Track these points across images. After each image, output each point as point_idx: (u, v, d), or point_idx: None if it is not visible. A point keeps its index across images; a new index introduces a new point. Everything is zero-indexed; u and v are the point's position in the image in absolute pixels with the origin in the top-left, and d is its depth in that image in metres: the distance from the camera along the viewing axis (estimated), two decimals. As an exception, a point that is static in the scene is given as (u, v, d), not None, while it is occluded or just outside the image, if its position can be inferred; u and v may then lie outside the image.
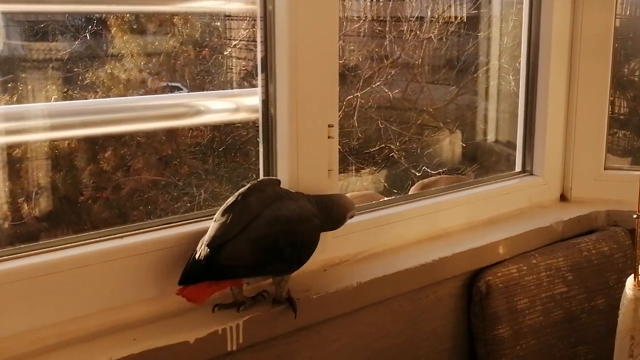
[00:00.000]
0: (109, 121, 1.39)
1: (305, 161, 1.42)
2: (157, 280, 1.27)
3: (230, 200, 1.26)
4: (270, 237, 1.22)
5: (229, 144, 3.33)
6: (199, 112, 1.46)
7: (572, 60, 1.90)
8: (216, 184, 3.36)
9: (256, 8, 1.40)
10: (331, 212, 1.35)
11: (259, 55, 1.43)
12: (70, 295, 1.18)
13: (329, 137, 1.45)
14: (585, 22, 1.87)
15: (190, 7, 1.50)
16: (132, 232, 1.28)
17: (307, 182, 1.42)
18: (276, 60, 1.40)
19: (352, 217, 1.41)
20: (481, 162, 3.13)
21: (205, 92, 1.67)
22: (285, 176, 1.42)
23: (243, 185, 1.29)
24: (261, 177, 1.45)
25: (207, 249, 1.18)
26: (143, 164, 3.26)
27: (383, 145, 4.02)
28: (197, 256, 1.18)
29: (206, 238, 1.20)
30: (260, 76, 1.44)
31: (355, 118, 3.99)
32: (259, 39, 1.42)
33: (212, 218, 1.26)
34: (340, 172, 3.27)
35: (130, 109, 1.41)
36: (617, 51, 2.04)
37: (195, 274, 1.18)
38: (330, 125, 1.45)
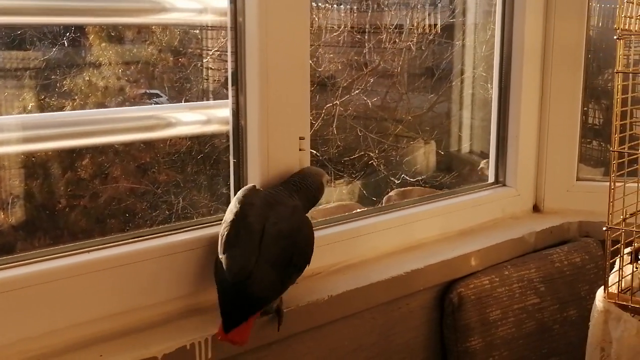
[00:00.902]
0: (80, 134, 1.38)
1: (276, 173, 1.41)
2: (122, 295, 1.26)
3: (228, 227, 1.23)
4: (284, 255, 1.22)
5: (207, 152, 3.32)
6: (170, 124, 1.45)
7: (545, 71, 1.91)
8: (195, 192, 3.35)
9: (227, 20, 1.40)
10: (309, 188, 1.36)
11: (230, 67, 1.43)
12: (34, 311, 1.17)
13: (300, 150, 1.45)
14: (557, 33, 1.88)
15: (163, 19, 1.49)
16: (97, 247, 1.27)
17: (278, 195, 1.42)
18: (246, 72, 1.40)
19: (327, 180, 1.42)
20: (457, 171, 3.15)
21: (176, 104, 1.66)
22: (256, 189, 1.41)
23: (220, 198, 1.28)
24: (233, 190, 1.44)
25: (237, 287, 1.17)
26: (121, 172, 3.24)
27: (362, 153, 4.02)
28: (227, 299, 1.17)
29: (228, 275, 1.18)
30: (230, 88, 1.43)
31: (334, 126, 3.99)
32: (229, 51, 1.42)
33: (177, 231, 1.25)
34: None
35: (100, 122, 1.40)
36: (590, 62, 2.06)
37: (241, 315, 1.17)
38: (301, 138, 1.44)
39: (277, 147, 1.41)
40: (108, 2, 1.35)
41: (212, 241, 1.32)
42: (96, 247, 1.26)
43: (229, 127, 1.43)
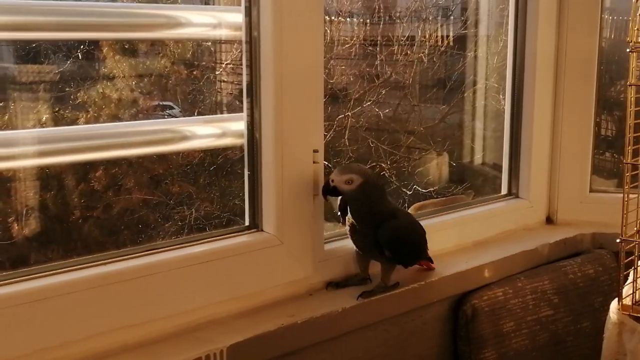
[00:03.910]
0: (95, 147, 1.39)
1: (290, 186, 1.42)
2: (139, 307, 1.27)
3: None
4: None
5: (220, 164, 3.33)
6: (185, 138, 1.47)
7: (557, 82, 1.91)
8: (207, 204, 3.36)
9: (242, 34, 1.42)
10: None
11: (245, 81, 1.44)
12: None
13: (314, 162, 1.46)
14: (569, 45, 1.89)
15: (178, 34, 1.51)
16: (112, 260, 1.28)
17: (292, 207, 1.43)
18: (261, 85, 1.41)
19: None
20: (470, 182, 3.14)
21: (191, 117, 1.68)
22: (270, 200, 1.42)
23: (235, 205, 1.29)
24: (248, 202, 1.46)
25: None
26: (134, 183, 3.26)
27: (374, 163, 4.03)
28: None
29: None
30: (245, 101, 1.45)
31: (346, 137, 4.00)
32: (244, 64, 1.43)
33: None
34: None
35: (115, 135, 1.41)
36: (603, 73, 2.06)
37: None
38: (315, 151, 1.45)
39: (292, 160, 1.42)
40: (124, 18, 1.37)
41: (224, 254, 1.35)
42: (112, 260, 1.27)
43: (243, 140, 1.45)
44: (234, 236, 1.42)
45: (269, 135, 1.41)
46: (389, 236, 1.44)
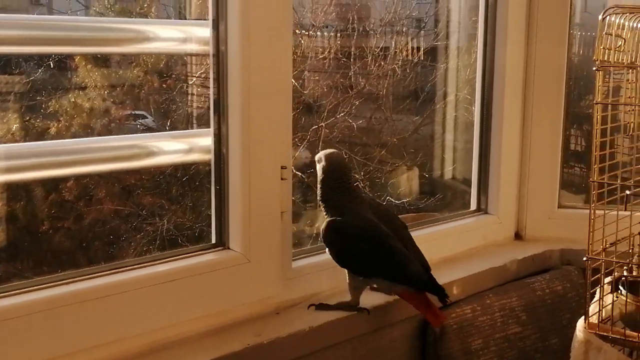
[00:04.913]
0: (59, 164, 1.37)
1: (257, 203, 1.41)
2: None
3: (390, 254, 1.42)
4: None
5: (192, 174, 3.31)
6: (152, 154, 1.45)
7: (526, 98, 1.93)
8: (179, 214, 3.33)
9: (209, 49, 1.41)
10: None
11: (212, 95, 1.43)
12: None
13: (282, 179, 1.45)
14: (538, 60, 1.90)
15: (147, 48, 1.49)
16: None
17: (259, 225, 1.41)
18: (228, 100, 1.40)
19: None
20: (442, 194, 3.15)
21: (158, 133, 1.67)
22: (237, 218, 1.41)
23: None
24: (214, 220, 1.44)
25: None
26: (105, 194, 3.23)
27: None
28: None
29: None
30: (212, 116, 1.43)
31: (320, 148, 4.00)
32: (211, 79, 1.42)
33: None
34: (306, 202, 3.27)
35: (81, 151, 1.39)
36: (572, 89, 2.07)
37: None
38: (283, 167, 1.44)
39: (259, 176, 1.41)
40: (92, 32, 1.35)
41: (190, 272, 1.33)
42: (76, 279, 1.25)
43: (210, 156, 1.43)
44: (201, 254, 1.41)
45: (236, 151, 1.40)
46: (324, 233, 1.43)
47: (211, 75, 1.42)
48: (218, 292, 1.38)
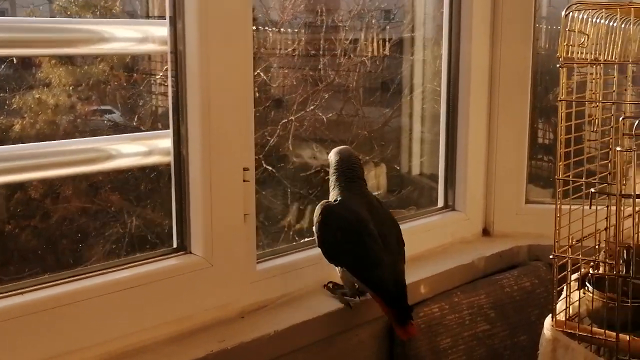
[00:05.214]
0: (14, 169, 1.33)
1: (219, 206, 1.38)
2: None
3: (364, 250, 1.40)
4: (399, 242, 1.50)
5: (161, 170, 3.27)
6: (110, 157, 1.41)
7: (492, 93, 1.91)
8: (149, 211, 3.29)
9: (167, 48, 1.37)
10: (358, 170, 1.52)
11: (170, 96, 1.39)
12: None
13: (244, 181, 1.42)
14: (504, 55, 1.89)
15: (103, 49, 1.45)
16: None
17: (222, 228, 1.39)
18: (187, 101, 1.37)
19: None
20: (413, 187, 3.14)
21: (117, 135, 1.63)
22: (199, 221, 1.38)
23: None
24: (175, 224, 1.41)
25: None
26: (73, 192, 3.17)
27: (318, 169, 4.00)
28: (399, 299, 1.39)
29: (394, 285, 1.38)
30: (171, 116, 1.40)
31: (290, 142, 3.97)
32: (169, 79, 1.38)
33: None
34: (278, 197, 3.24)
35: (35, 156, 1.34)
36: (538, 82, 2.07)
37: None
38: (245, 169, 1.41)
39: (220, 179, 1.38)
40: (44, 34, 1.31)
41: (150, 278, 1.30)
42: (31, 289, 1.21)
43: (170, 158, 1.40)
44: (162, 259, 1.37)
45: (197, 152, 1.36)
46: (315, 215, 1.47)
47: (169, 75, 1.38)
48: (180, 297, 1.35)
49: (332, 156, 1.52)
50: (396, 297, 1.38)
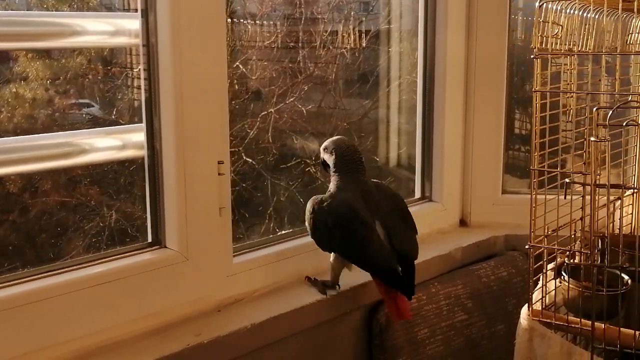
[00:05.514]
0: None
1: (194, 199, 1.37)
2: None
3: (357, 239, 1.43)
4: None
5: (140, 163, 3.25)
6: (83, 152, 1.39)
7: (468, 83, 1.92)
8: (129, 204, 3.27)
9: (139, 42, 1.36)
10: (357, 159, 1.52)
11: (143, 90, 1.38)
12: None
13: (219, 174, 1.41)
14: (479, 48, 1.89)
15: (76, 42, 1.43)
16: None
17: (197, 222, 1.38)
18: (160, 93, 1.36)
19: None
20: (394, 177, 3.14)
21: (90, 129, 1.61)
22: (173, 215, 1.37)
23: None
24: (150, 219, 1.40)
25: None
26: (52, 185, 3.15)
27: (299, 160, 3.99)
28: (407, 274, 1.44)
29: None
30: (144, 110, 1.39)
31: (269, 134, 3.95)
32: (142, 73, 1.37)
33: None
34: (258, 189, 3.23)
35: (9, 151, 1.32)
36: (514, 73, 2.07)
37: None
38: (220, 162, 1.41)
39: (195, 172, 1.37)
40: (15, 27, 1.29)
41: (126, 273, 1.30)
42: (4, 285, 1.20)
43: (143, 152, 1.39)
44: (137, 254, 1.37)
45: (170, 146, 1.36)
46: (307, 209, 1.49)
47: (142, 69, 1.37)
48: (156, 292, 1.34)
49: (329, 146, 1.53)
50: (386, 272, 1.43)
